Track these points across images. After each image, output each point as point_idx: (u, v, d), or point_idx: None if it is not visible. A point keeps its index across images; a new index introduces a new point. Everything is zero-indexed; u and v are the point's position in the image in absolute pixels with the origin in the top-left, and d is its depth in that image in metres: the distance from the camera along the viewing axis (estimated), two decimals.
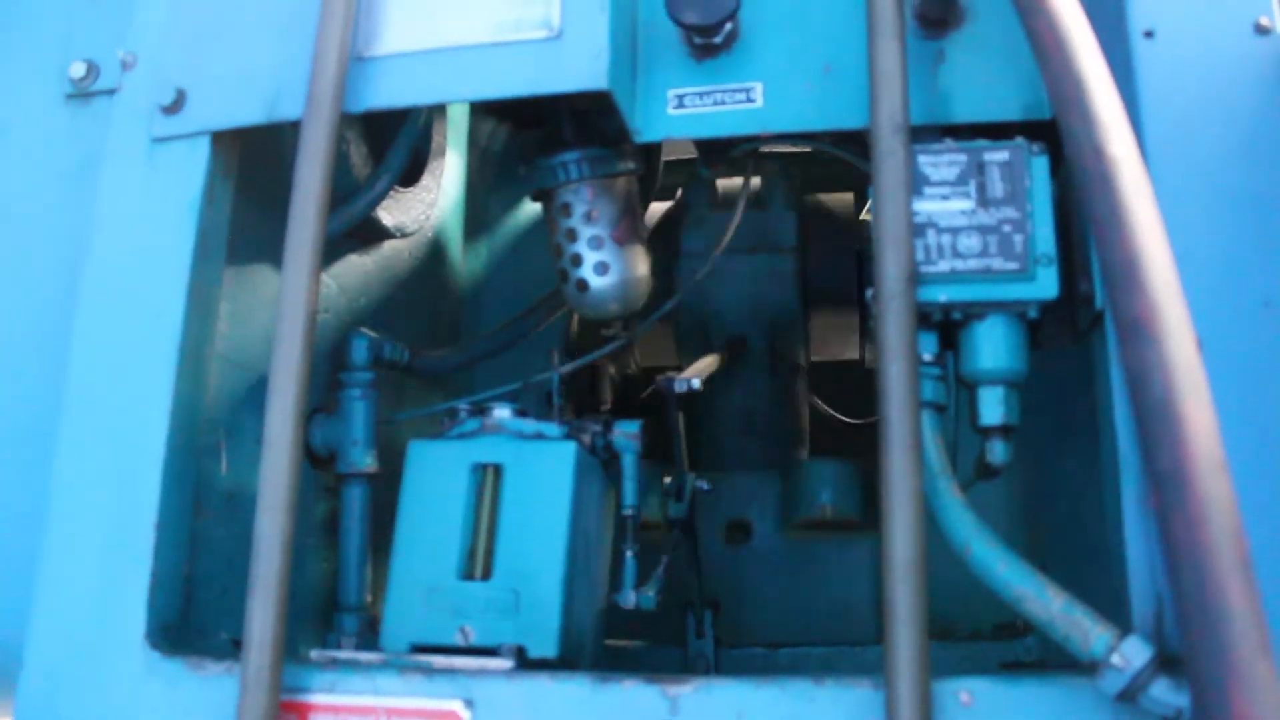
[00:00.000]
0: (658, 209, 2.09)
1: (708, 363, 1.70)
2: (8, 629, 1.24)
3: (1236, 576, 0.60)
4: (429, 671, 1.08)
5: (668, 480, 1.66)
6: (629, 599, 1.47)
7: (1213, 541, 0.61)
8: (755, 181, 1.98)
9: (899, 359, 1.02)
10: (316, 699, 1.09)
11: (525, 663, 1.22)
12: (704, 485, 1.65)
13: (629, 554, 1.47)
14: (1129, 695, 0.92)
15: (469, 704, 1.05)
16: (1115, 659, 0.92)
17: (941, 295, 1.11)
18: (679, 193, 2.10)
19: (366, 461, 1.55)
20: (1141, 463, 0.65)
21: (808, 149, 1.50)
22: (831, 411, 2.13)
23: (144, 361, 1.27)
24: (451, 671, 1.08)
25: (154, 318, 1.28)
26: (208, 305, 1.33)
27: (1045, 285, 1.10)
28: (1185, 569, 0.61)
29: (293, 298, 1.16)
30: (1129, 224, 0.72)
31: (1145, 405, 0.66)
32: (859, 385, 1.81)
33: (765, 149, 1.91)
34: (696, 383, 1.51)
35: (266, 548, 1.07)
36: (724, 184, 2.08)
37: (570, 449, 1.37)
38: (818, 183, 2.10)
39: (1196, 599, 0.60)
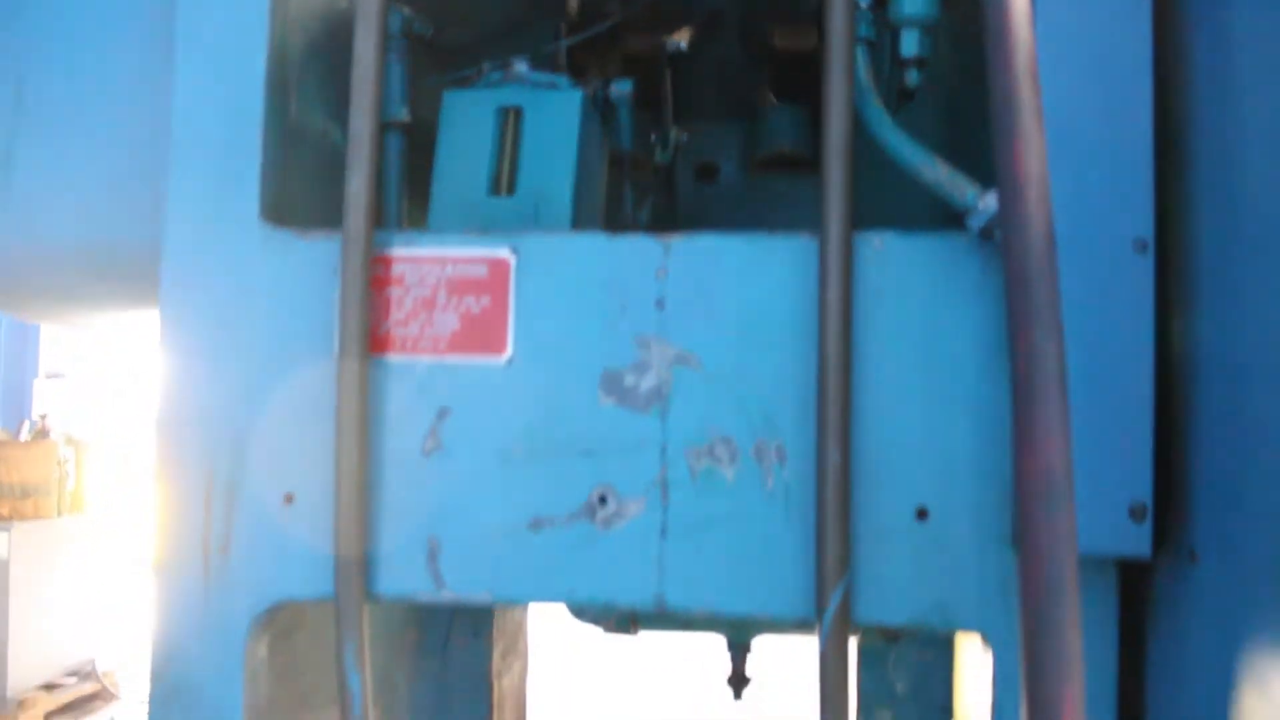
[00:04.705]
0: None
1: (686, 30, 2.02)
2: (148, 222, 1.59)
3: (1027, 86, 0.95)
4: (486, 230, 1.46)
5: (654, 136, 2.01)
6: (629, 218, 1.85)
7: (1015, 70, 0.96)
8: None
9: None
10: (399, 253, 1.46)
11: None
12: (684, 137, 2.00)
13: (627, 185, 1.84)
14: (988, 231, 1.31)
15: (514, 250, 1.43)
16: (980, 204, 1.31)
17: None
18: None
19: (402, 113, 1.87)
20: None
21: None
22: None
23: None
24: (504, 230, 1.45)
25: None
26: None
27: None
28: (997, 93, 0.96)
29: None
30: None
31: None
32: None
33: None
34: (684, 44, 1.84)
35: (357, 133, 1.42)
36: None
37: (578, 95, 1.70)
38: None
39: (1000, 107, 0.96)
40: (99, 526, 8.25)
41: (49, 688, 7.52)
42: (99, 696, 7.84)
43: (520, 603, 1.50)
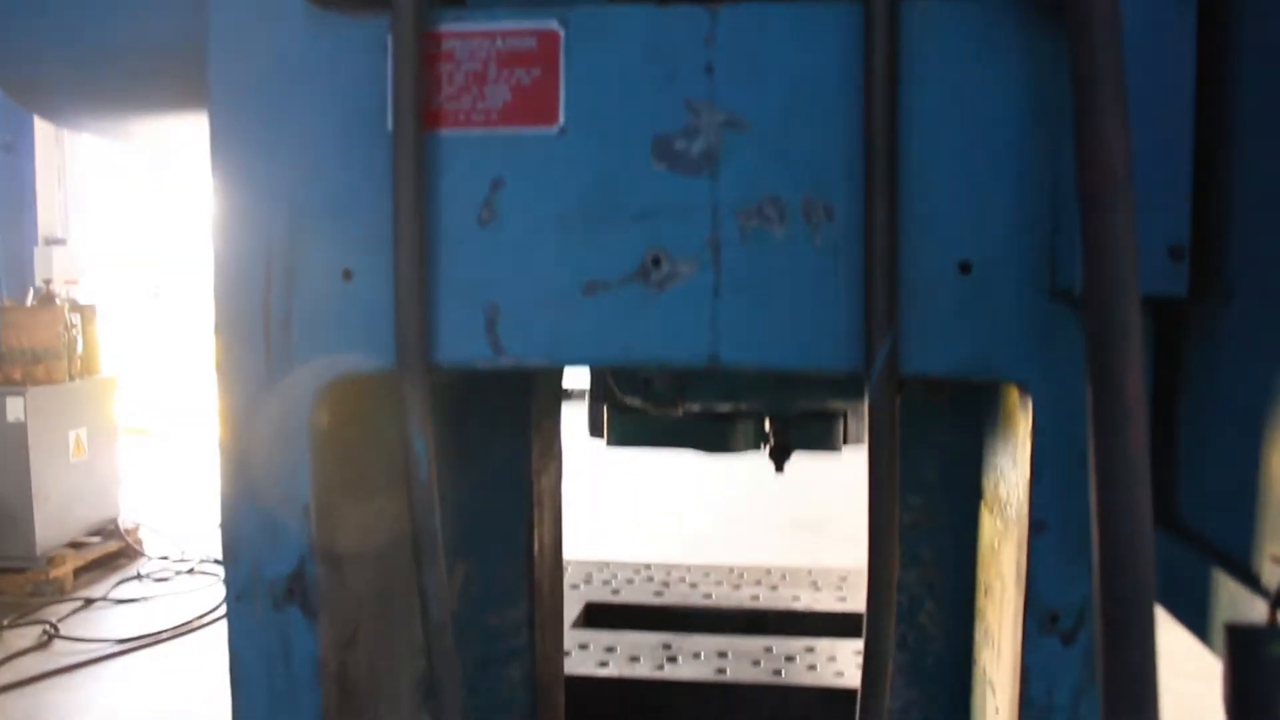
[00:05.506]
0: None
1: None
2: (187, 20, 1.59)
3: None
4: (533, 3, 1.47)
5: None
6: None
7: None
8: None
9: None
10: (448, 29, 1.48)
11: None
12: None
13: None
14: None
15: (563, 22, 1.45)
16: None
17: None
18: None
19: None
20: None
21: None
22: None
23: None
24: (550, 3, 1.47)
25: None
26: None
27: None
28: None
29: None
30: None
31: None
32: None
33: None
34: None
35: None
36: None
37: None
38: None
39: None
40: (111, 389, 8.36)
41: (75, 546, 7.74)
42: (124, 554, 8.07)
43: (577, 364, 1.56)
